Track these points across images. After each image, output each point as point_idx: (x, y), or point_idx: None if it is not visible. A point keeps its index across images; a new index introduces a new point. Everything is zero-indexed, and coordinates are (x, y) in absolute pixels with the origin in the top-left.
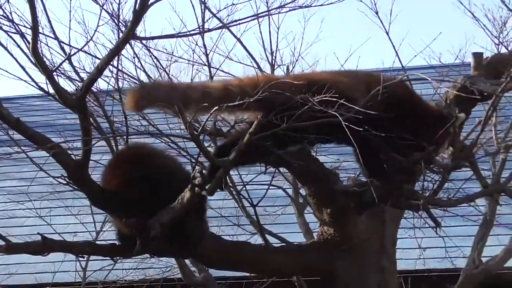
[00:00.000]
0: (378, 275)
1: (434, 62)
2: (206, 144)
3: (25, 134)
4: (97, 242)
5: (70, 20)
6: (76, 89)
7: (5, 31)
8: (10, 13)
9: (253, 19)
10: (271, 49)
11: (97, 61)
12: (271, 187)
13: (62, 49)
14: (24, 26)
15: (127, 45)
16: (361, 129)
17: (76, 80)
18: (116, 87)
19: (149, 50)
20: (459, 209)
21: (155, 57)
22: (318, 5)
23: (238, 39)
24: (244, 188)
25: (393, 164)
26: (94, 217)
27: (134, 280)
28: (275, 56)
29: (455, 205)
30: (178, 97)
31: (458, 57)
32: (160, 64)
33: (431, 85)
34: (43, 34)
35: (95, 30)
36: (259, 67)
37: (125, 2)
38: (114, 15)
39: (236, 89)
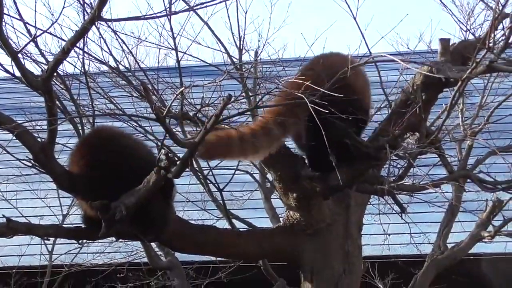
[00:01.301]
0: (343, 260)
1: (402, 49)
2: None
3: None
4: (63, 225)
5: (35, 2)
6: (42, 71)
7: None
8: None
9: (221, 2)
10: (239, 33)
11: (63, 43)
12: (237, 172)
13: (28, 31)
14: None
15: (94, 28)
16: (327, 111)
17: (42, 63)
18: (82, 70)
19: (115, 33)
20: (425, 194)
21: (122, 40)
22: None
23: (206, 23)
24: (210, 173)
25: (359, 148)
26: (60, 200)
27: (99, 263)
28: (243, 41)
29: (419, 190)
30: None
31: (423, 40)
32: (127, 47)
33: (398, 71)
34: (8, 15)
35: (61, 12)
36: (227, 52)
37: None
38: None
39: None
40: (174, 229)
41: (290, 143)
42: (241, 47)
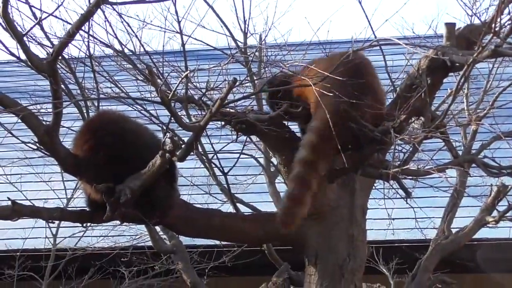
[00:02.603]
0: (347, 244)
1: (408, 33)
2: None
3: None
4: (68, 208)
5: None
6: (47, 54)
7: None
8: None
9: None
10: (244, 17)
11: (69, 27)
12: (242, 156)
13: (33, 14)
14: None
15: (99, 11)
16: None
17: (48, 46)
18: (87, 53)
19: (120, 16)
20: (430, 179)
21: (127, 23)
22: None
23: (210, 6)
24: (215, 156)
25: (364, 132)
26: (65, 183)
27: (103, 247)
28: (248, 25)
29: (424, 175)
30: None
31: (431, 27)
32: (132, 30)
33: (404, 56)
34: None
35: None
36: (232, 36)
37: None
38: None
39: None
40: (178, 212)
41: (294, 127)
42: (245, 31)
